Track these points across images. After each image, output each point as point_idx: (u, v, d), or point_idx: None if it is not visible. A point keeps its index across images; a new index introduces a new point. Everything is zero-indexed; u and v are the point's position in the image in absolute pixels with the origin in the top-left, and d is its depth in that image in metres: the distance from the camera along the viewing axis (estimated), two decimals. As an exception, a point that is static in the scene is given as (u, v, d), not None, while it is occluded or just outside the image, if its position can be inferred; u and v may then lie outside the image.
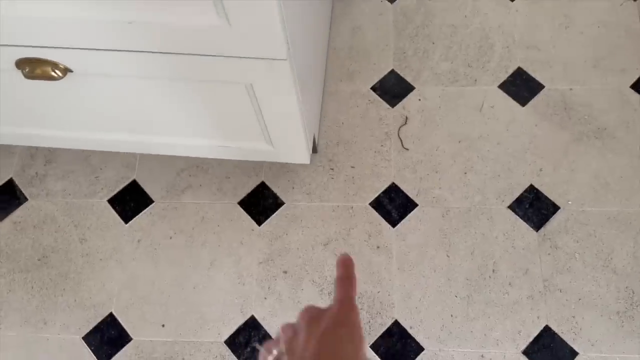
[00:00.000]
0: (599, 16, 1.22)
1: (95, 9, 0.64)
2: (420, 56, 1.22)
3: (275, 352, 0.39)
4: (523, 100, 1.16)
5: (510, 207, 1.08)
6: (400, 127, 1.17)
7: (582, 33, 1.21)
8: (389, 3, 1.28)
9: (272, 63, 0.72)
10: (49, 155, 1.17)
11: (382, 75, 1.22)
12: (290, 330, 0.39)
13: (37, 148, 1.18)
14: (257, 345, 0.99)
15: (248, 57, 0.71)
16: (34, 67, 0.75)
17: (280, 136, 0.95)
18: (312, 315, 0.40)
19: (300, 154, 1.02)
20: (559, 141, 1.12)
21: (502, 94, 1.17)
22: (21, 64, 0.75)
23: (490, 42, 1.22)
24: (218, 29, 0.65)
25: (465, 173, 1.11)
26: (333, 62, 1.23)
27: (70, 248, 1.10)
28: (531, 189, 1.08)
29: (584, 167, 1.10)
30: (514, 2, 1.25)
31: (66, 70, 0.76)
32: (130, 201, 1.13)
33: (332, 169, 1.13)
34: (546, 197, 1.08)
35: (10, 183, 1.15)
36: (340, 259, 0.43)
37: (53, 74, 0.76)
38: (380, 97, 1.20)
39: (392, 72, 1.22)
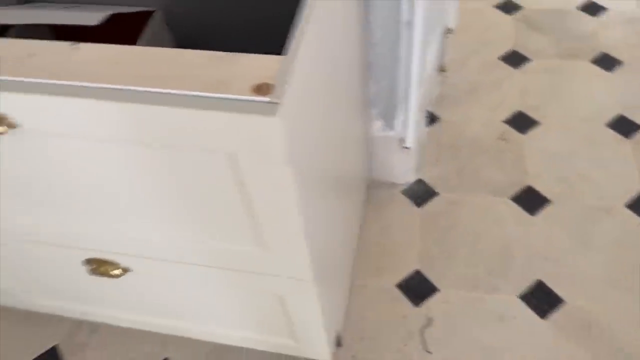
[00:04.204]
0: (616, 236, 1.30)
1: (173, 233, 0.78)
2: (444, 259, 1.31)
3: None
4: (543, 313, 1.20)
5: None
6: (423, 328, 1.22)
7: (600, 252, 1.28)
8: (417, 207, 1.41)
9: (300, 282, 0.82)
10: (93, 326, 1.27)
11: (407, 274, 1.30)
12: None
13: (84, 317, 1.28)
14: None
15: (279, 276, 0.82)
16: (98, 266, 0.89)
17: (304, 336, 1.02)
18: None
19: (321, 352, 1.08)
20: (580, 360, 1.13)
21: (522, 305, 1.21)
22: (88, 262, 0.89)
23: (511, 252, 1.30)
24: (256, 254, 0.77)
25: (486, 384, 1.12)
26: (362, 258, 1.34)
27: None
28: (553, 410, 1.07)
29: (607, 390, 1.08)
30: (534, 216, 1.36)
31: (126, 270, 0.89)
32: (158, 380, 1.18)
33: (353, 366, 1.17)
34: (569, 421, 1.05)
35: (53, 350, 1.24)
36: None
37: (113, 273, 0.89)
38: (405, 295, 1.26)
39: (417, 272, 1.30)
